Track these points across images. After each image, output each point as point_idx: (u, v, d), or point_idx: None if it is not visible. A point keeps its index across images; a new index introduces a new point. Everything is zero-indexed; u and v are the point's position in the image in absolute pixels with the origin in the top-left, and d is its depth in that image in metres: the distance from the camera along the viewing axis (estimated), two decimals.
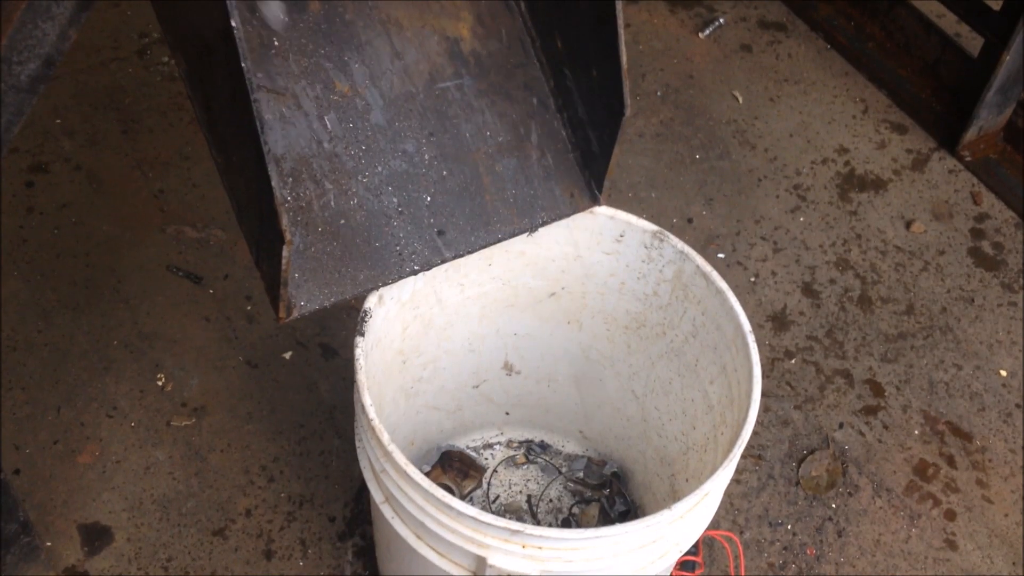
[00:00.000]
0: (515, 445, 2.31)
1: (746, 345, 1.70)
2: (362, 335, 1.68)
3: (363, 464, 1.73)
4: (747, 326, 1.72)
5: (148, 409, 2.36)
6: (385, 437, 1.57)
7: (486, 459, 2.29)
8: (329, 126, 1.61)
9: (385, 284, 1.65)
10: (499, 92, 1.71)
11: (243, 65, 1.30)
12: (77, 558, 2.15)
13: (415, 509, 1.59)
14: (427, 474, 2.19)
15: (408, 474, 1.54)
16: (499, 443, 2.31)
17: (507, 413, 2.27)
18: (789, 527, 2.32)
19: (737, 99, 3.07)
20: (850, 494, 2.38)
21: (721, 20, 3.22)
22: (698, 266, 1.79)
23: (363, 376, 1.63)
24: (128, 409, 2.35)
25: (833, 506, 2.36)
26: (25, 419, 2.31)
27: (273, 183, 1.38)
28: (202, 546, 2.19)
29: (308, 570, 2.18)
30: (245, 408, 2.38)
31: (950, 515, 2.37)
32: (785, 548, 2.29)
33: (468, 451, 2.28)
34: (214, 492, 2.26)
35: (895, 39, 3.13)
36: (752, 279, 2.69)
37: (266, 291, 1.58)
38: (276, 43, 1.58)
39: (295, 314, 1.58)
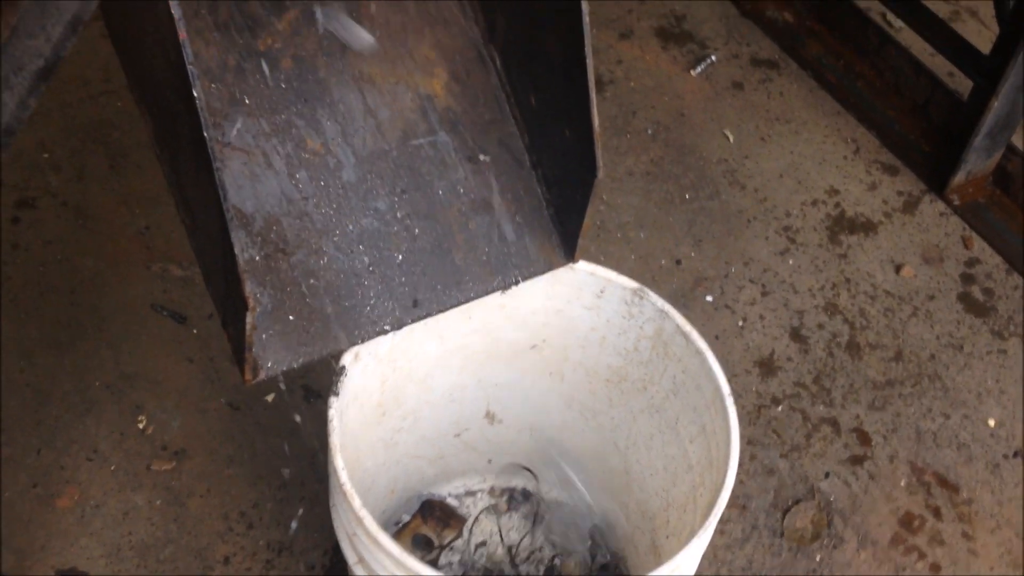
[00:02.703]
0: (498, 492, 2.29)
1: (724, 409, 1.69)
2: (336, 395, 1.66)
3: (336, 524, 1.72)
4: (726, 388, 1.70)
5: (128, 452, 2.34)
6: (356, 503, 1.56)
7: (468, 507, 2.27)
8: (300, 184, 1.60)
9: (355, 344, 1.64)
10: (473, 149, 1.70)
11: (205, 134, 1.29)
12: None
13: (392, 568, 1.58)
14: (407, 524, 2.18)
15: (379, 542, 1.53)
16: (482, 490, 2.29)
17: (489, 461, 2.26)
18: None
19: (728, 138, 3.05)
20: (835, 546, 2.36)
21: (713, 57, 3.21)
22: (678, 325, 1.77)
23: (336, 438, 1.62)
24: (108, 452, 2.34)
25: (818, 558, 2.33)
26: (5, 461, 2.29)
27: (236, 250, 1.37)
28: None
29: None
30: (226, 451, 2.36)
31: (935, 568, 2.35)
32: None
33: (450, 499, 2.26)
34: (193, 538, 2.25)
35: (885, 79, 3.12)
36: (740, 323, 2.67)
37: (232, 353, 1.56)
38: (247, 100, 1.57)
39: (262, 375, 1.57)
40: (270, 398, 2.44)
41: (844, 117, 3.13)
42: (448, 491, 2.28)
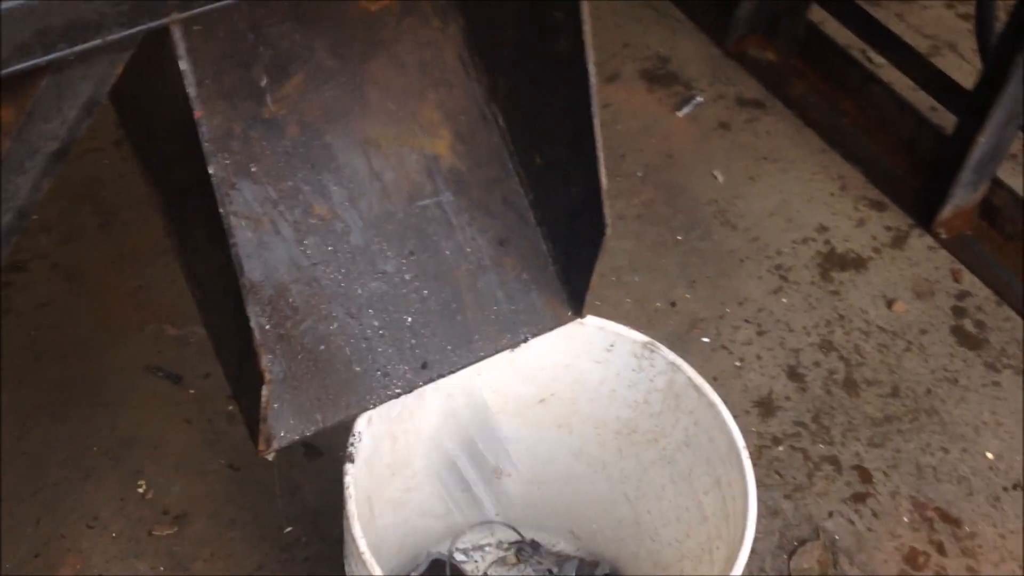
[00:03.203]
0: (506, 546, 2.28)
1: (740, 462, 1.69)
2: (352, 461, 1.65)
3: None
4: (741, 442, 1.70)
5: (129, 518, 2.32)
6: (377, 572, 1.55)
7: (476, 561, 2.25)
8: (308, 250, 1.60)
9: (366, 409, 1.63)
10: (479, 208, 1.70)
11: (221, 211, 1.28)
12: None
13: None
14: None
15: None
16: (490, 544, 2.28)
17: (497, 514, 2.24)
18: None
19: (717, 178, 3.07)
20: None
21: (699, 98, 3.23)
22: (689, 378, 1.78)
23: (353, 507, 1.61)
24: (109, 519, 2.31)
25: None
26: (4, 532, 2.26)
27: (252, 323, 1.36)
28: None
29: None
30: (228, 514, 2.34)
31: None
32: None
33: (458, 554, 2.24)
34: None
35: (869, 116, 3.15)
36: (737, 363, 2.67)
37: (245, 424, 1.55)
38: (254, 169, 1.57)
39: (275, 446, 1.56)
40: (270, 457, 2.41)
41: (830, 154, 3.15)
42: (457, 545, 2.26)
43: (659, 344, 1.80)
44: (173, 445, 2.42)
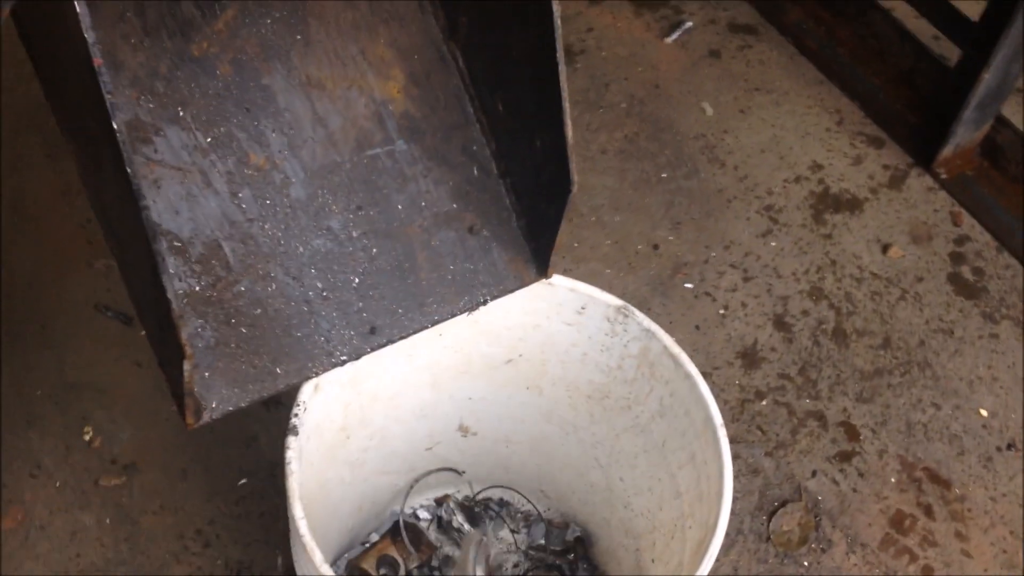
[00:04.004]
0: (472, 505, 2.16)
1: (716, 440, 1.56)
2: (295, 433, 1.52)
3: (300, 570, 1.59)
4: (718, 418, 1.57)
5: (75, 467, 2.19)
6: (318, 557, 1.43)
7: (441, 520, 2.14)
8: (243, 204, 1.45)
9: (308, 378, 1.49)
10: (435, 157, 1.54)
11: (128, 170, 1.13)
12: None
13: None
14: (374, 544, 2.04)
15: None
16: (456, 502, 2.16)
17: (463, 472, 2.12)
18: None
19: (705, 111, 2.90)
20: (823, 550, 2.25)
21: (689, 23, 3.04)
22: (665, 346, 1.64)
23: (295, 483, 1.48)
24: (53, 468, 2.19)
25: (805, 563, 2.23)
26: None
27: (169, 294, 1.22)
28: None
29: None
30: (179, 464, 2.22)
31: (928, 571, 2.24)
32: None
33: (422, 511, 2.13)
34: (146, 559, 2.11)
35: (868, 45, 2.96)
36: (721, 311, 2.53)
37: (171, 395, 1.42)
38: (181, 113, 1.41)
39: (206, 418, 1.43)
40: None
41: (827, 86, 2.97)
42: (420, 502, 2.14)
43: (634, 309, 1.65)
44: (122, 390, 2.29)
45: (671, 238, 2.64)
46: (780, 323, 2.54)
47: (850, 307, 2.58)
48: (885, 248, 2.69)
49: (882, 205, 2.77)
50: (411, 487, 2.08)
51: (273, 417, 2.28)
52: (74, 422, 2.24)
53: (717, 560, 2.19)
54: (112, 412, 2.26)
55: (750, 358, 2.48)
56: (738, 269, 2.61)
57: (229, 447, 2.24)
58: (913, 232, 2.73)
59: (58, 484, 2.17)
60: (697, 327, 2.50)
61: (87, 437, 2.23)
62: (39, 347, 2.32)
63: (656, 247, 2.62)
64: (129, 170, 1.13)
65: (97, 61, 1.07)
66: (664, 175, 2.75)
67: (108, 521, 2.14)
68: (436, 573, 2.04)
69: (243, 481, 2.21)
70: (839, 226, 2.72)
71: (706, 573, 1.49)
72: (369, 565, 2.02)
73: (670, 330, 2.45)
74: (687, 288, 2.56)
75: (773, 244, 2.66)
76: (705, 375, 2.40)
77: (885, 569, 2.23)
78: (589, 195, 2.68)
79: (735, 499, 2.27)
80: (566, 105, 1.36)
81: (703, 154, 2.81)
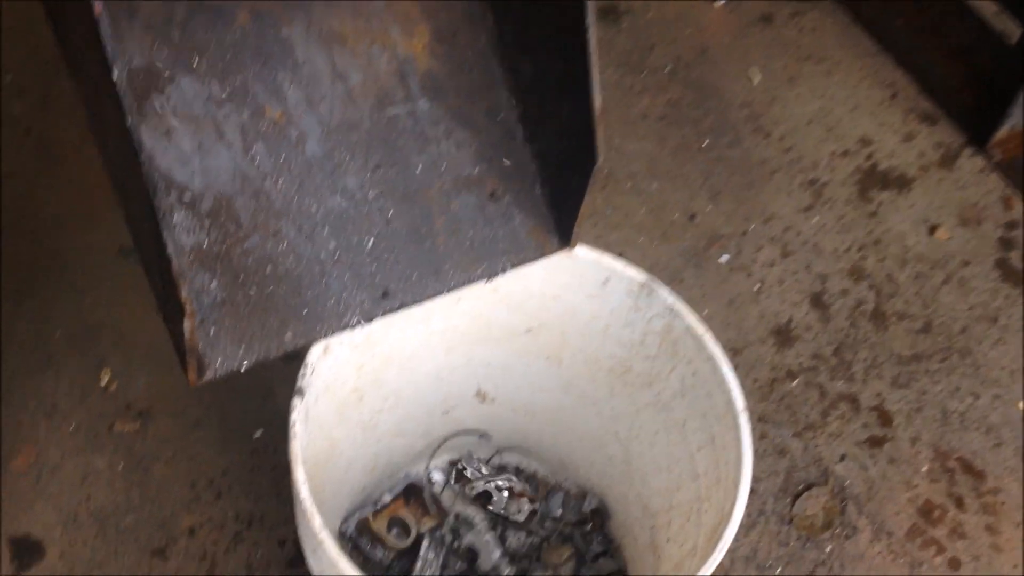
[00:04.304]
0: (488, 470, 2.12)
1: (737, 426, 1.50)
2: (301, 395, 1.49)
3: (300, 533, 1.56)
4: (740, 403, 1.51)
5: (90, 411, 2.18)
6: (316, 522, 1.39)
7: (455, 484, 2.09)
8: (256, 159, 1.39)
9: (316, 340, 1.45)
10: (458, 119, 1.48)
11: (129, 124, 1.08)
12: (5, 574, 1.99)
13: None
14: (386, 505, 2.01)
15: (342, 570, 1.36)
16: (472, 467, 2.12)
17: (480, 437, 2.08)
18: (778, 571, 2.13)
19: (753, 78, 2.80)
20: (847, 536, 2.19)
21: None
22: (689, 326, 1.57)
23: (298, 446, 1.45)
24: (68, 410, 2.17)
25: (828, 549, 2.17)
26: None
27: (169, 250, 1.17)
28: (140, 567, 2.03)
29: None
30: (194, 413, 2.19)
31: (954, 564, 2.18)
32: None
33: (436, 473, 2.09)
34: (156, 507, 2.09)
35: (926, 18, 2.84)
36: (756, 287, 2.46)
37: (175, 350, 1.38)
38: (195, 61, 1.36)
39: (209, 376, 1.39)
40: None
41: (881, 58, 2.86)
42: (435, 464, 2.10)
43: (658, 284, 1.59)
44: (142, 336, 2.27)
45: (709, 208, 2.56)
46: (817, 301, 2.46)
47: (891, 288, 2.50)
48: (932, 229, 2.59)
49: (931, 184, 2.67)
50: (434, 451, 2.04)
51: (291, 370, 2.22)
52: (91, 365, 2.22)
53: (736, 540, 2.14)
54: (130, 357, 2.24)
55: (783, 336, 2.41)
56: (777, 244, 2.53)
57: (245, 398, 2.21)
58: (962, 214, 2.63)
59: (72, 426, 2.15)
60: (730, 302, 2.43)
61: (103, 381, 2.21)
62: (60, 288, 2.30)
63: (692, 217, 2.55)
64: (129, 120, 1.08)
65: (97, 9, 1.01)
66: (706, 143, 2.67)
67: (120, 466, 2.13)
68: (448, 537, 2.00)
69: (258, 433, 2.18)
70: (885, 204, 2.62)
71: (720, 560, 1.44)
72: (380, 525, 1.98)
73: (702, 304, 2.40)
74: (722, 261, 2.49)
75: (815, 220, 2.58)
76: (735, 351, 2.36)
77: (910, 560, 2.17)
78: (626, 160, 2.61)
79: (758, 480, 2.22)
80: (595, 73, 1.29)
81: (748, 123, 2.72)
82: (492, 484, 2.01)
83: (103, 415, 2.17)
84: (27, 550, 2.02)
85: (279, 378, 2.23)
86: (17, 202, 2.39)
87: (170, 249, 1.17)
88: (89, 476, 2.11)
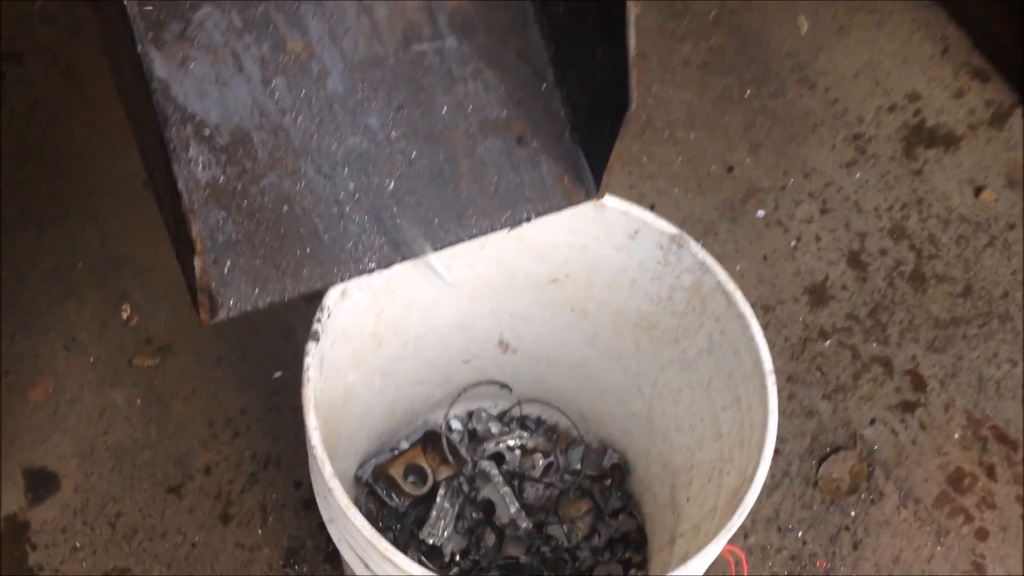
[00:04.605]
0: (508, 420, 2.08)
1: (764, 387, 1.44)
2: (315, 340, 1.44)
3: (312, 479, 1.53)
4: (768, 364, 1.45)
5: (109, 344, 2.16)
6: (327, 470, 1.36)
7: (475, 428, 2.06)
8: (276, 93, 1.34)
9: (332, 284, 1.41)
10: (487, 59, 1.42)
11: (139, 50, 1.03)
12: (20, 506, 1.99)
13: (361, 544, 1.39)
14: (404, 452, 1.98)
15: (351, 519, 1.33)
16: (492, 417, 2.08)
17: (501, 387, 2.04)
18: (800, 534, 2.09)
19: (800, 27, 2.71)
20: (873, 501, 2.14)
21: None
22: (719, 282, 1.52)
23: (310, 392, 1.40)
24: (88, 343, 2.15)
25: (852, 514, 2.12)
26: None
27: (180, 186, 1.13)
28: (155, 503, 2.01)
29: (267, 539, 2.00)
30: (215, 351, 2.17)
31: (982, 534, 2.13)
32: (793, 558, 2.07)
33: (455, 422, 2.06)
34: (173, 443, 2.07)
35: None
36: (793, 243, 2.39)
37: (187, 289, 1.34)
38: None
39: (222, 316, 1.35)
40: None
41: (934, 11, 2.76)
42: (455, 413, 2.07)
43: (689, 239, 1.53)
44: (164, 271, 2.24)
45: (748, 161, 2.49)
46: (855, 260, 2.39)
47: (932, 250, 2.42)
48: (978, 190, 2.51)
49: (980, 144, 2.58)
50: (454, 400, 2.00)
51: (313, 311, 2.21)
52: (112, 298, 2.20)
53: (759, 501, 2.10)
54: (151, 292, 2.21)
55: (818, 295, 2.34)
56: (816, 200, 2.46)
57: (267, 338, 2.18)
58: (1010, 175, 2.54)
59: (91, 360, 2.14)
60: (765, 258, 2.36)
61: (124, 315, 2.19)
62: (83, 219, 2.27)
63: (730, 169, 2.48)
64: (140, 47, 1.03)
65: None
66: (748, 93, 2.59)
67: (139, 401, 2.11)
68: (465, 487, 1.97)
69: (278, 374, 2.15)
70: (931, 162, 2.54)
71: (739, 524, 1.40)
72: (396, 472, 1.95)
73: (736, 259, 2.34)
74: (759, 216, 2.42)
75: (857, 176, 2.50)
76: (768, 309, 2.30)
77: (937, 528, 2.12)
78: (665, 108, 2.53)
79: (784, 441, 2.17)
80: (632, 14, 1.23)
81: (793, 73, 2.64)
82: (503, 445, 1.98)
83: (123, 349, 2.15)
84: (42, 482, 2.02)
85: (300, 318, 2.19)
86: (43, 131, 2.35)
87: (181, 184, 1.12)
88: (107, 410, 2.09)
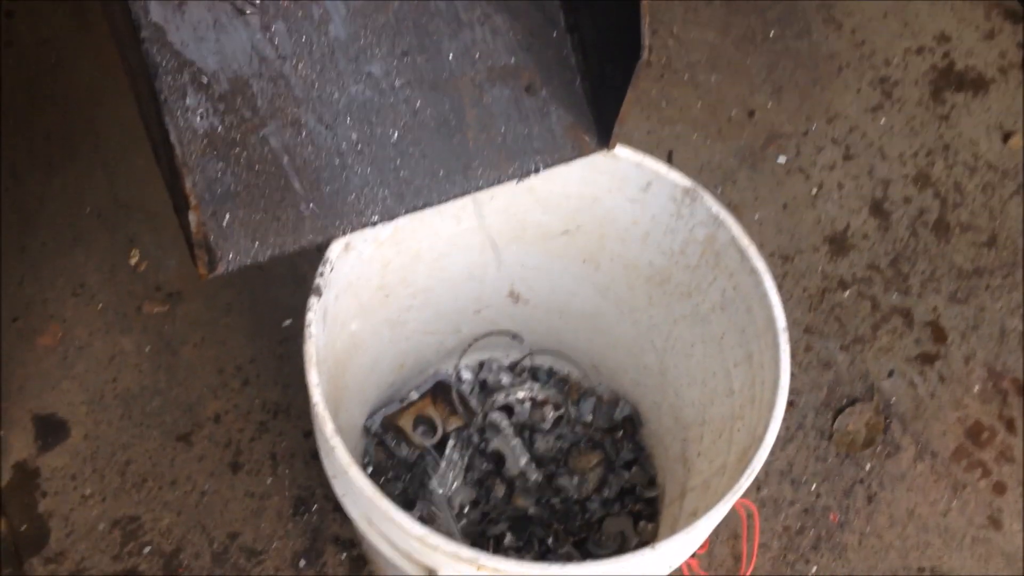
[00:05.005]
0: (520, 371, 2.05)
1: (776, 344, 1.41)
2: (318, 294, 1.42)
3: (316, 434, 1.51)
4: (781, 322, 1.42)
5: (119, 290, 2.14)
6: (329, 428, 1.34)
7: (485, 378, 2.04)
8: (276, 39, 1.30)
9: (334, 237, 1.37)
10: (496, 2, 1.37)
11: None
12: (29, 452, 1.98)
13: (363, 502, 1.37)
14: (413, 403, 1.96)
15: (352, 478, 1.31)
16: (502, 366, 2.06)
17: (512, 337, 2.01)
18: (813, 487, 2.07)
19: None
20: (889, 455, 2.11)
21: None
22: (733, 237, 1.47)
23: (312, 347, 1.38)
24: (96, 288, 2.13)
25: (867, 467, 2.09)
26: None
27: (172, 138, 1.09)
28: (164, 451, 2.00)
29: (275, 488, 1.98)
30: (225, 298, 2.14)
31: (999, 488, 2.10)
32: (806, 511, 2.05)
33: (465, 371, 2.03)
34: (183, 391, 2.06)
35: None
36: (814, 190, 2.34)
37: (185, 242, 1.31)
38: None
39: (220, 270, 1.32)
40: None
41: None
42: (465, 364, 2.04)
43: (703, 191, 1.49)
44: (173, 217, 2.15)
45: (769, 105, 2.43)
46: (877, 209, 2.34)
47: (958, 198, 2.36)
48: (1006, 136, 2.44)
49: (1010, 88, 2.50)
50: (464, 350, 1.98)
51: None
52: (121, 243, 2.17)
53: (772, 454, 2.06)
54: (161, 237, 2.19)
55: (839, 244, 2.29)
56: (839, 145, 2.39)
57: (277, 286, 2.16)
58: None
59: (100, 306, 2.12)
60: (785, 206, 2.31)
61: (133, 261, 2.16)
62: (92, 163, 2.24)
63: (752, 114, 2.41)
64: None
65: None
66: (772, 33, 2.52)
67: (148, 348, 2.09)
68: (475, 438, 1.95)
69: (288, 322, 2.13)
70: (959, 107, 2.47)
71: (748, 484, 1.37)
72: (406, 423, 1.94)
73: (755, 207, 2.29)
74: (780, 162, 2.36)
75: (883, 121, 2.43)
76: (786, 258, 2.25)
77: (953, 481, 2.09)
78: (686, 49, 2.47)
79: (799, 393, 2.14)
80: None
81: (819, 13, 2.56)
82: (513, 397, 1.95)
83: (132, 296, 2.13)
84: (51, 429, 2.01)
85: (312, 267, 2.15)
86: (51, 71, 2.31)
87: (174, 136, 1.09)
88: (116, 357, 2.08)
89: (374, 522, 1.40)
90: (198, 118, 1.27)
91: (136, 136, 2.26)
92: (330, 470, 1.51)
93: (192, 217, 1.17)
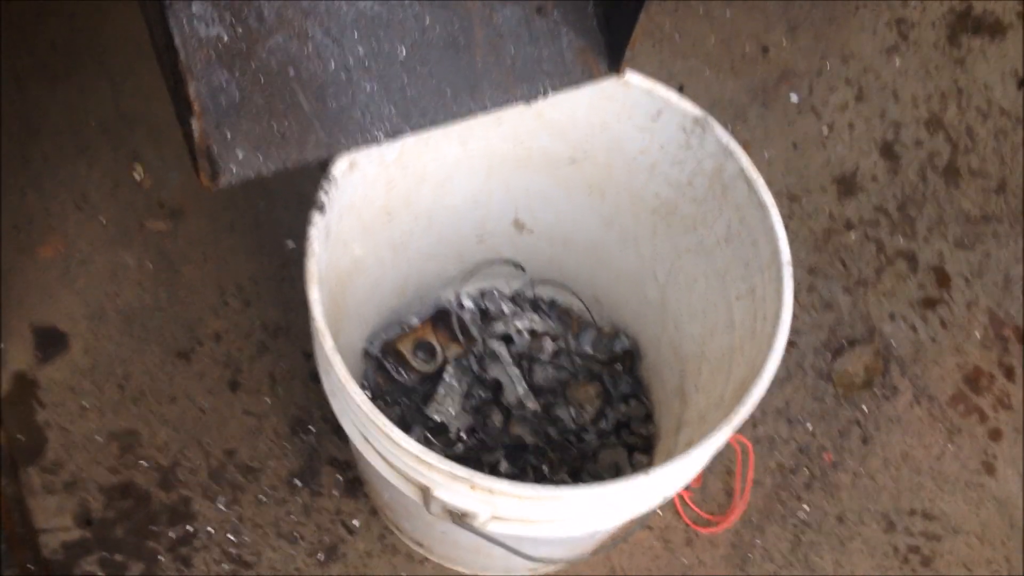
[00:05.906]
0: (521, 300, 2.05)
1: (780, 278, 1.40)
2: (321, 211, 1.41)
3: (315, 351, 1.51)
4: (786, 256, 1.41)
5: (121, 205, 2.13)
6: (328, 344, 1.34)
7: (487, 307, 2.03)
8: None
9: (337, 152, 1.36)
10: None
11: None
12: (28, 364, 1.98)
13: (360, 419, 1.38)
14: (414, 328, 1.96)
15: (350, 393, 1.31)
16: (504, 295, 2.05)
17: (515, 267, 2.00)
18: (809, 426, 2.07)
19: None
20: (886, 397, 2.11)
21: None
22: (742, 168, 1.46)
23: (314, 265, 1.38)
24: (99, 202, 2.12)
25: (864, 408, 2.09)
26: None
27: (176, 42, 1.08)
28: (164, 367, 2.01)
29: (274, 409, 1.99)
30: (228, 217, 2.14)
31: (995, 435, 2.10)
32: (800, 450, 2.06)
33: (467, 301, 2.02)
34: (183, 309, 2.06)
35: None
36: (825, 131, 2.31)
37: (188, 153, 1.30)
38: None
39: (223, 182, 1.31)
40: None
41: None
42: (466, 291, 2.04)
43: (713, 121, 1.47)
44: (177, 131, 2.13)
45: (784, 42, 2.40)
46: (888, 151, 2.31)
47: (969, 143, 2.34)
48: (1022, 83, 2.41)
49: None
50: (466, 278, 1.97)
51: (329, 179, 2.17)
52: (125, 158, 2.16)
53: (769, 392, 2.06)
54: (164, 153, 2.17)
55: (847, 185, 2.27)
56: (852, 86, 2.37)
57: (281, 206, 2.15)
58: None
59: (103, 220, 2.11)
60: (795, 145, 2.29)
61: (137, 176, 2.15)
62: (97, 75, 2.21)
63: (765, 50, 2.38)
64: None
65: None
66: None
67: (150, 265, 2.09)
68: (475, 366, 1.95)
69: (291, 243, 2.12)
70: (975, 51, 2.43)
71: (746, 416, 1.37)
72: (405, 348, 1.94)
73: (764, 145, 2.27)
74: (792, 101, 2.34)
75: (897, 63, 2.40)
76: (793, 198, 2.24)
77: (949, 426, 2.10)
78: None
79: (800, 333, 2.14)
80: None
81: None
82: (512, 327, 1.95)
83: (134, 210, 2.12)
84: (51, 341, 2.01)
85: (316, 187, 2.16)
86: None
87: (178, 40, 1.07)
88: (118, 272, 2.07)
89: (370, 439, 1.40)
90: (204, 25, 1.25)
91: (142, 50, 2.23)
92: (328, 387, 1.51)
93: (195, 124, 1.15)
